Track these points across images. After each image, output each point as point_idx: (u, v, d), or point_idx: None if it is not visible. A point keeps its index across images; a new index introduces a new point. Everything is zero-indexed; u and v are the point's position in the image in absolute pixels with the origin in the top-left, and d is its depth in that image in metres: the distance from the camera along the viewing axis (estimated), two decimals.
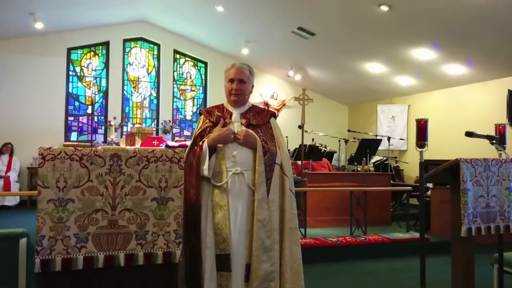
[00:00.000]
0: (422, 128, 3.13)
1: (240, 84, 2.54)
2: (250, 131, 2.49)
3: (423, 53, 7.71)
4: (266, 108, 8.42)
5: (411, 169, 9.38)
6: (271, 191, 2.41)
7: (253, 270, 2.31)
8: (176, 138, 10.10)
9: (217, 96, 10.44)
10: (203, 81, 10.93)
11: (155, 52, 10.48)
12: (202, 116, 2.66)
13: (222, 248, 2.32)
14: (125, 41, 10.11)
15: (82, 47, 9.79)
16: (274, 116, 2.72)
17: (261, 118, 2.62)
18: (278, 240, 2.42)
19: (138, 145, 7.85)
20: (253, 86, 2.64)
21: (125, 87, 10.20)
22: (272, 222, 2.39)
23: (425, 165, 3.62)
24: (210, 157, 2.42)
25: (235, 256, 2.33)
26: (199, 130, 2.57)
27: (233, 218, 2.36)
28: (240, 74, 2.54)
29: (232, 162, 2.42)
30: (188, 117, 10.78)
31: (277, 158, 2.49)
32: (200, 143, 2.47)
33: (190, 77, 10.83)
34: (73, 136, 9.71)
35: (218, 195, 2.38)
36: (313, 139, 8.52)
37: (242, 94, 2.57)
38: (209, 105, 10.64)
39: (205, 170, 2.38)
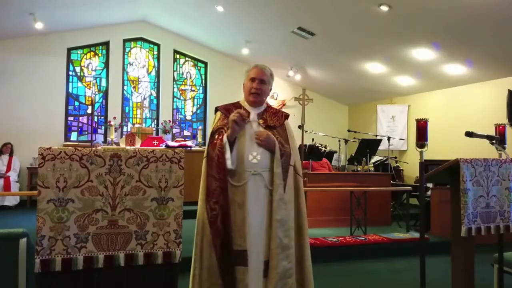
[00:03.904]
0: (422, 128, 3.13)
1: (260, 84, 2.61)
2: (270, 134, 2.54)
3: (423, 53, 7.70)
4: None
5: (411, 169, 9.37)
6: (286, 191, 2.48)
7: (272, 267, 2.39)
8: (176, 138, 10.09)
9: (217, 96, 10.45)
10: (203, 81, 10.92)
11: (155, 52, 10.47)
12: (219, 113, 2.66)
13: (239, 244, 2.39)
14: (125, 41, 10.11)
15: (82, 47, 9.78)
16: (288, 117, 2.79)
17: (277, 119, 2.67)
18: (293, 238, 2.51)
19: (138, 145, 7.86)
20: (271, 89, 2.72)
21: (125, 87, 10.19)
22: (289, 221, 2.47)
23: (425, 165, 3.63)
24: (231, 150, 2.44)
25: (252, 252, 2.40)
26: (218, 127, 2.57)
27: (251, 217, 2.42)
28: (262, 74, 2.62)
29: (252, 163, 2.46)
30: (188, 117, 10.77)
31: (291, 160, 2.55)
32: (219, 137, 2.49)
33: (190, 77, 10.82)
34: (73, 136, 9.70)
35: (237, 195, 2.43)
36: (313, 139, 8.52)
37: (261, 94, 2.62)
38: (209, 105, 10.65)
39: (228, 160, 2.40)
